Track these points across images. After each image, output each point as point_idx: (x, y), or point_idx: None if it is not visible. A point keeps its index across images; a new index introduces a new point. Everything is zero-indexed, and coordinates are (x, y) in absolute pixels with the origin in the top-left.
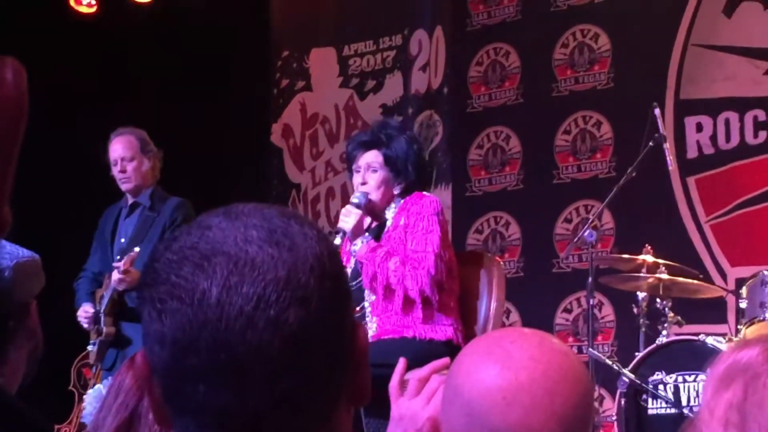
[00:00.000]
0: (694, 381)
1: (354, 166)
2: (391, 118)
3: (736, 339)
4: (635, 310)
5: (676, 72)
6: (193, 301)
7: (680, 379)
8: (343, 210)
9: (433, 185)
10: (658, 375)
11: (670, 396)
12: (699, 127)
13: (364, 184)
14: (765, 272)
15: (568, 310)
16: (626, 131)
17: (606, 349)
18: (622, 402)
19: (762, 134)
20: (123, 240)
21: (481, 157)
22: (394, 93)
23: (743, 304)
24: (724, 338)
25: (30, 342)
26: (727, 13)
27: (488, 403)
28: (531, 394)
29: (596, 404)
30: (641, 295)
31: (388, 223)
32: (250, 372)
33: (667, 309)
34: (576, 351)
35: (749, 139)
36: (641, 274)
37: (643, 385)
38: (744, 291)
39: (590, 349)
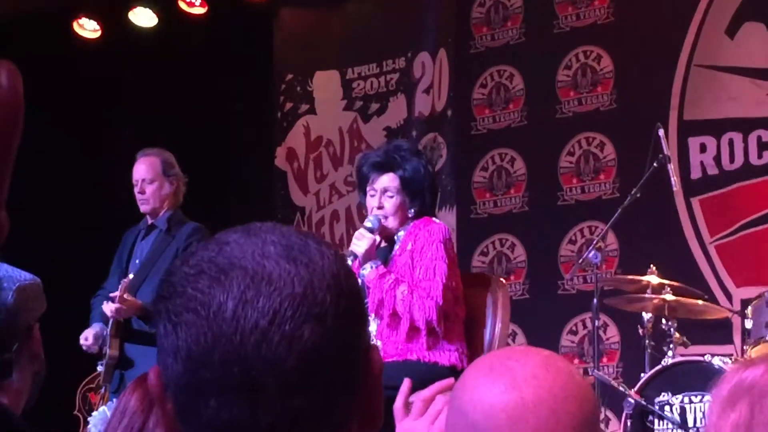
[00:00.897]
0: (701, 402)
1: (368, 188)
2: (403, 141)
3: (742, 359)
4: (640, 331)
5: (679, 93)
6: (209, 314)
7: (686, 399)
8: (356, 233)
9: (438, 207)
10: (664, 396)
11: (677, 417)
12: (703, 148)
13: (380, 208)
14: None
15: (574, 332)
16: (630, 152)
17: (611, 370)
18: (629, 424)
19: (766, 154)
20: (138, 261)
21: (485, 179)
22: (398, 115)
23: (749, 325)
24: (731, 359)
25: (33, 365)
26: (729, 33)
27: (493, 424)
28: (536, 413)
29: (602, 426)
30: (646, 316)
31: (396, 246)
32: (262, 387)
33: (672, 330)
34: (582, 373)
35: (753, 159)
36: (646, 295)
37: (649, 406)
38: (749, 311)
39: (596, 371)
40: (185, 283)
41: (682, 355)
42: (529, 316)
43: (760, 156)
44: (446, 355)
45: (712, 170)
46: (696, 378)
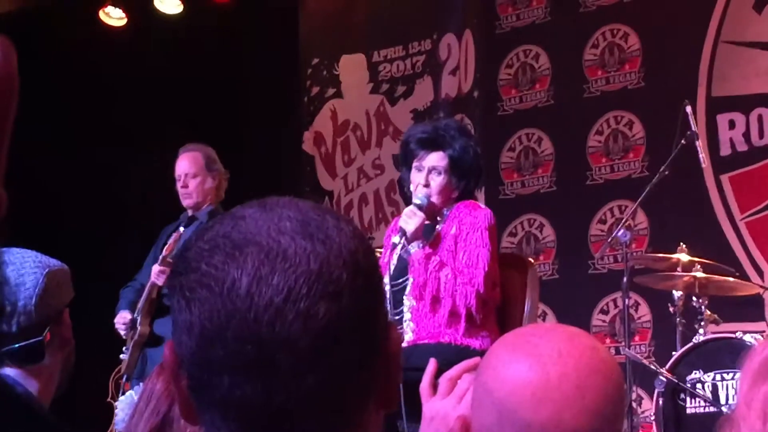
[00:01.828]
0: (733, 379)
1: (415, 164)
2: (452, 120)
3: None
4: (671, 309)
5: (707, 69)
6: (223, 291)
7: (718, 377)
8: (406, 210)
9: None
10: (695, 374)
11: (709, 395)
12: (732, 124)
13: (426, 185)
14: None
15: (605, 312)
16: (658, 130)
17: (643, 349)
18: (660, 402)
19: None
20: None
21: (513, 159)
22: (425, 98)
23: None
24: (762, 335)
25: (63, 350)
26: (757, 9)
27: (518, 400)
28: (561, 389)
29: (635, 405)
30: (677, 294)
31: (439, 226)
32: (276, 366)
33: (703, 307)
34: (613, 352)
35: None
36: (677, 273)
37: (681, 384)
38: None
39: (627, 350)
40: (200, 259)
41: (713, 333)
42: (559, 296)
43: None
44: (479, 340)
45: (741, 147)
46: (727, 355)
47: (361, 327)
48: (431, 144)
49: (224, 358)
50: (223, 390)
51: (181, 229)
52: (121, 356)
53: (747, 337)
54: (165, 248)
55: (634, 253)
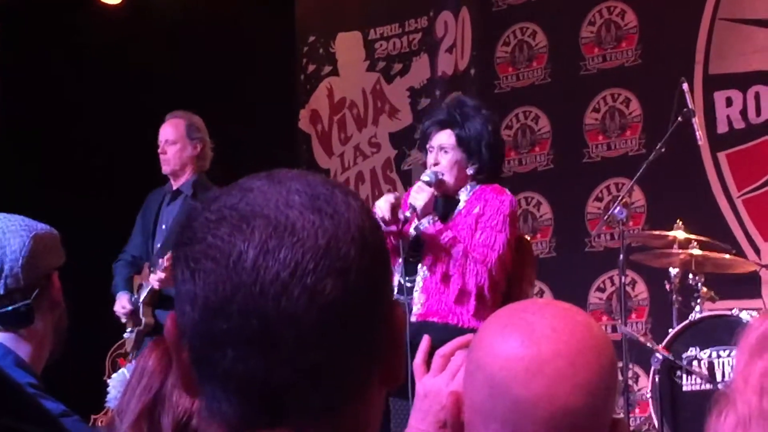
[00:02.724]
0: (729, 356)
1: (427, 145)
2: (468, 97)
3: None
4: (668, 286)
5: (704, 47)
6: (228, 263)
7: (714, 354)
8: (415, 186)
9: None
10: (692, 351)
11: (705, 372)
12: (729, 102)
13: (436, 164)
14: None
15: (602, 289)
16: (655, 108)
17: (641, 326)
18: (657, 379)
19: None
20: (164, 227)
21: (510, 137)
22: (421, 75)
23: None
24: (758, 312)
25: (54, 313)
26: None
27: (510, 375)
28: (554, 365)
29: (631, 382)
30: (674, 271)
31: (460, 205)
32: (280, 340)
33: (700, 285)
34: (610, 330)
35: None
36: (673, 251)
37: (677, 361)
38: None
39: (624, 327)
40: (206, 230)
41: (709, 310)
42: (556, 274)
43: None
44: None
45: (739, 124)
46: (724, 332)
47: (367, 304)
48: (442, 123)
49: (228, 332)
50: (226, 363)
51: (164, 226)
52: (125, 335)
53: (743, 315)
54: (165, 258)
55: (631, 231)
